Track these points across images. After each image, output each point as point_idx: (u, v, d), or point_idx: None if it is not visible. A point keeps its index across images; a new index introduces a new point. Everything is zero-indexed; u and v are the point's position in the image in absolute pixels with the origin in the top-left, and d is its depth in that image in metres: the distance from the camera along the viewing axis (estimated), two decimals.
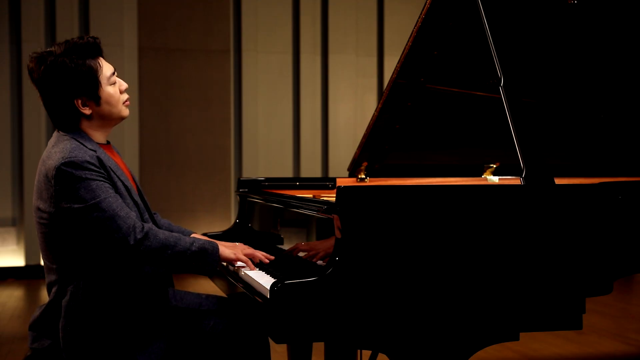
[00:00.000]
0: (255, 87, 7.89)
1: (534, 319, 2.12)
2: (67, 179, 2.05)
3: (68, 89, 2.16)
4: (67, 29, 7.24)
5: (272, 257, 2.34)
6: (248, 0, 7.83)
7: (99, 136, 2.25)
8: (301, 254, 2.36)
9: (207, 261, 2.17)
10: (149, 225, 2.13)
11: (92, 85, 2.17)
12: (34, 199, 2.19)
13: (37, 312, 2.22)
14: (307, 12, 8.03)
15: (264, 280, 2.17)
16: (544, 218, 2.14)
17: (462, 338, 2.07)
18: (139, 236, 2.07)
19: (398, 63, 2.86)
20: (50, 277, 2.19)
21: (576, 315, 2.16)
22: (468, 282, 2.05)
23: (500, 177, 3.08)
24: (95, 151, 2.15)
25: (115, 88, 2.24)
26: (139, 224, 2.10)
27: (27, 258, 7.18)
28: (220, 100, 7.75)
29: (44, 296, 6.31)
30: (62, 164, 2.06)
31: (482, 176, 3.14)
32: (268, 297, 1.91)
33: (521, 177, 2.21)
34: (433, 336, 2.04)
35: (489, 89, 2.89)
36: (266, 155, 7.94)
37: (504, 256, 2.09)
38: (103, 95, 2.20)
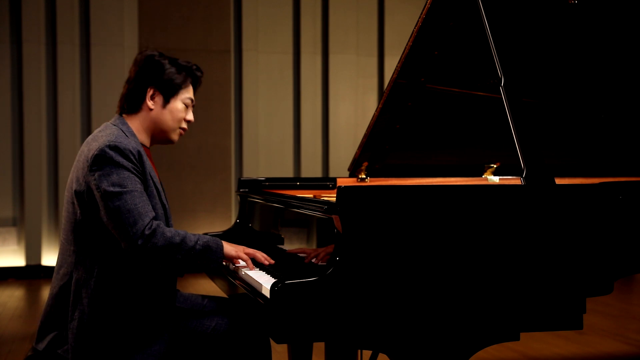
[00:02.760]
0: (255, 87, 7.89)
1: (534, 319, 2.12)
2: (106, 161, 2.12)
3: (151, 77, 2.30)
4: (68, 29, 7.25)
5: (273, 261, 2.37)
6: (248, 1, 7.83)
7: (144, 138, 2.33)
8: (303, 256, 2.36)
9: (210, 259, 2.21)
10: (157, 222, 2.16)
11: (170, 88, 2.31)
12: (69, 179, 2.25)
13: (44, 308, 2.24)
14: (308, 12, 8.04)
15: (264, 279, 2.18)
16: (544, 218, 2.14)
17: (463, 338, 2.07)
18: (147, 232, 2.11)
19: (398, 63, 2.86)
20: (64, 259, 2.22)
21: (577, 315, 2.16)
22: (468, 282, 2.05)
23: (501, 177, 3.08)
24: (137, 147, 2.22)
25: (183, 110, 2.35)
26: (149, 223, 2.13)
27: (27, 258, 7.18)
28: (220, 100, 7.75)
29: (45, 296, 6.31)
30: (107, 145, 2.13)
31: (483, 176, 3.14)
32: (268, 297, 1.92)
33: (521, 177, 2.21)
34: (433, 336, 2.03)
35: (489, 89, 2.89)
36: (267, 155, 7.94)
37: (504, 256, 2.09)
38: (172, 103, 2.32)
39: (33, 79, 7.18)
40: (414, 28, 2.71)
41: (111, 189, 2.10)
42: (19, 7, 7.16)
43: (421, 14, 2.65)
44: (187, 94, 2.36)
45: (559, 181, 2.24)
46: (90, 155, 2.14)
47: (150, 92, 2.30)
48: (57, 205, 7.27)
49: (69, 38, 7.27)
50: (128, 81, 2.33)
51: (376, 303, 1.97)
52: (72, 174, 2.23)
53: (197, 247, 2.18)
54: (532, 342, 4.47)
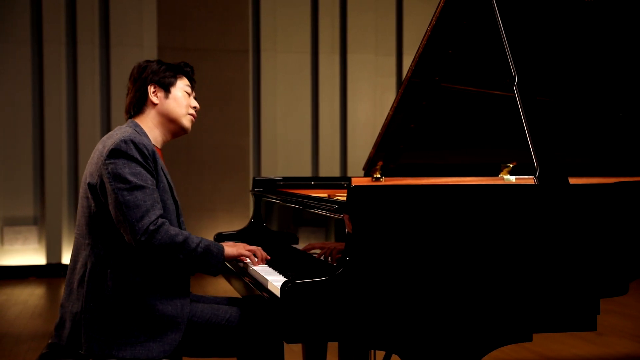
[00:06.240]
0: (273, 87, 7.90)
1: (547, 320, 2.10)
2: (121, 154, 2.19)
3: (147, 77, 2.42)
4: (88, 30, 7.31)
5: (268, 257, 2.46)
6: (266, 0, 7.85)
7: (156, 135, 2.44)
8: (315, 255, 2.36)
9: (211, 262, 2.25)
10: (163, 220, 2.19)
11: (167, 80, 2.43)
12: (83, 176, 2.32)
13: (61, 303, 2.29)
14: (326, 11, 8.03)
15: (269, 273, 2.22)
16: (557, 218, 2.12)
17: (475, 339, 2.05)
18: (151, 228, 2.14)
19: (412, 62, 2.85)
20: (79, 253, 2.26)
21: (590, 316, 2.14)
22: (480, 283, 2.04)
23: (518, 176, 3.05)
24: (151, 145, 2.30)
25: (185, 97, 2.46)
26: (155, 220, 2.16)
27: (48, 256, 7.26)
28: (238, 100, 7.77)
29: None
30: (123, 140, 2.21)
31: (499, 175, 3.11)
32: (278, 296, 1.92)
33: (535, 176, 2.19)
34: (445, 336, 2.02)
35: (504, 87, 2.87)
36: (285, 154, 7.95)
37: (517, 256, 2.08)
38: (173, 92, 2.43)
39: (53, 78, 7.26)
40: (428, 27, 2.69)
41: (123, 183, 2.15)
42: (39, 7, 7.24)
43: (435, 12, 2.64)
44: (184, 82, 2.47)
45: (572, 180, 2.22)
46: (105, 151, 2.20)
47: (151, 89, 2.41)
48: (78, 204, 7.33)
49: (89, 38, 7.33)
50: (129, 90, 2.46)
51: (387, 303, 1.96)
52: (87, 170, 2.30)
53: (199, 249, 2.21)
54: (549, 342, 4.43)
